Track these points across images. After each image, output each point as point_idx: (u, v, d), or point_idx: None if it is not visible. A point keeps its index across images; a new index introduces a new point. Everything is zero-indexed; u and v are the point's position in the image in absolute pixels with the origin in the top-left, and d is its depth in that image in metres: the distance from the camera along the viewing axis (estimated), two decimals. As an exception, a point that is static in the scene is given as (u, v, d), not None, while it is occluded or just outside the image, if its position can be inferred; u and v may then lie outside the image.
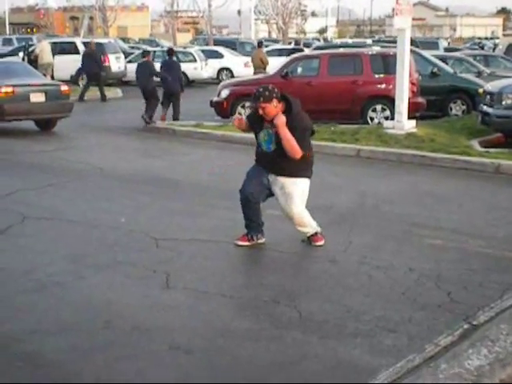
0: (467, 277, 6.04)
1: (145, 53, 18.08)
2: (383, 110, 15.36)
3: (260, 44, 25.16)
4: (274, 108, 6.44)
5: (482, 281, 5.94)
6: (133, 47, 39.23)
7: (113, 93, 24.59)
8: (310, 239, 6.92)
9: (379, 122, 14.96)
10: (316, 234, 6.94)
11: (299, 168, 6.66)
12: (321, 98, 15.52)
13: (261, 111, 6.47)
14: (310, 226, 6.87)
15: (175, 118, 16.61)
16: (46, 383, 4.22)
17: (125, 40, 46.36)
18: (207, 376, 4.28)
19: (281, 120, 6.41)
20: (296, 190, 6.67)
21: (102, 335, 4.84)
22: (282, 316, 5.18)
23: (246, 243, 6.86)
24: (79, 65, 27.05)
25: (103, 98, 23.01)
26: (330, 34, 75.91)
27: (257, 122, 6.73)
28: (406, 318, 5.13)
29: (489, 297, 5.53)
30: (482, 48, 49.18)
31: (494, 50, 40.62)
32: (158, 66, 17.86)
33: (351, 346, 4.67)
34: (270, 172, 6.73)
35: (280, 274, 6.25)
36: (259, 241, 6.89)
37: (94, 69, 22.96)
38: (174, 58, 17.58)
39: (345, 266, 6.39)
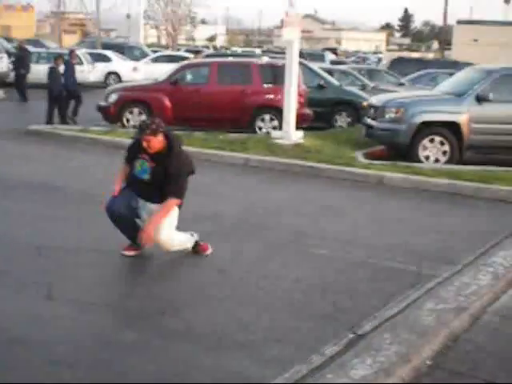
0: (352, 286, 6.16)
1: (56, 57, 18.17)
2: (271, 119, 15.57)
3: (198, 52, 25.23)
4: (158, 142, 6.30)
5: (366, 290, 6.07)
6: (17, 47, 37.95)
7: (-6, 94, 23.69)
8: (197, 250, 6.85)
9: (268, 132, 15.12)
10: (198, 243, 6.86)
11: None
12: (210, 107, 15.58)
13: (145, 144, 6.28)
14: (185, 243, 6.74)
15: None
16: None
17: (8, 40, 44.81)
18: (91, 391, 4.15)
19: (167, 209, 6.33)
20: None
21: (-21, 349, 4.60)
22: (168, 327, 5.10)
23: (132, 253, 6.72)
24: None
25: (24, 98, 22.63)
26: (220, 42, 76.39)
27: (134, 152, 6.52)
28: (293, 327, 5.17)
29: (373, 306, 5.65)
30: (364, 60, 50.86)
31: (377, 64, 42.07)
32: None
33: (239, 356, 4.65)
34: (140, 197, 6.57)
35: (167, 284, 6.17)
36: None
37: (21, 70, 22.95)
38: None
39: (232, 275, 6.37)
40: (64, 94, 17.17)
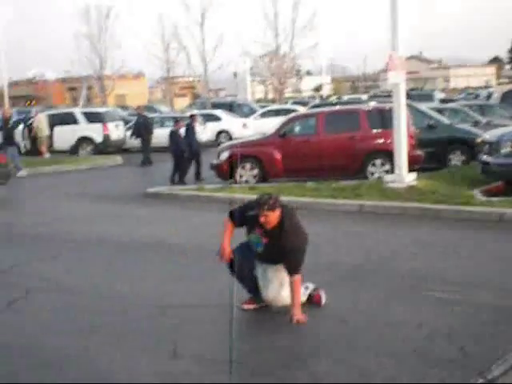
0: (478, 330, 5.96)
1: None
2: (383, 164, 15.43)
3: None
4: (275, 217, 6.37)
5: (494, 333, 5.86)
6: (131, 114, 39.64)
7: (113, 160, 24.77)
8: (311, 302, 6.83)
9: (379, 177, 15.00)
10: (311, 295, 6.83)
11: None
12: (320, 156, 15.66)
13: (263, 219, 6.35)
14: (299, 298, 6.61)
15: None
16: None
17: (123, 108, 46.88)
18: None
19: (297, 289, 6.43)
20: (277, 277, 6.57)
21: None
22: (293, 380, 5.09)
23: (252, 307, 6.78)
24: (78, 134, 27.59)
25: (149, 161, 23.49)
26: (326, 91, 76.90)
27: (250, 224, 6.61)
28: (420, 375, 5.05)
29: (502, 349, 5.44)
30: (476, 97, 49.73)
31: (488, 98, 41.07)
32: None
33: (365, 407, 4.58)
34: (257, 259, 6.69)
35: (289, 336, 6.17)
36: (265, 303, 6.80)
37: (147, 133, 24.09)
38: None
39: (354, 324, 6.30)
40: (186, 156, 18.00)
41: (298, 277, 6.46)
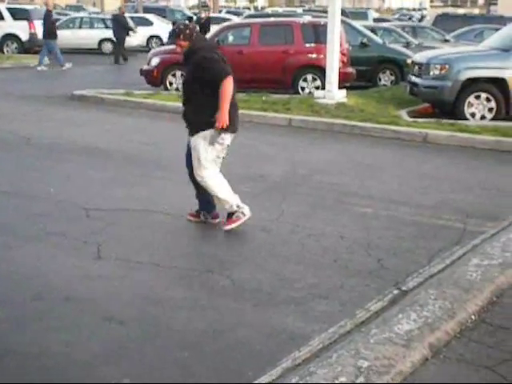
0: (397, 244, 6.17)
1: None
2: (314, 79, 15.45)
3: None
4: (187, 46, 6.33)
5: (411, 247, 6.08)
6: (59, 13, 38.24)
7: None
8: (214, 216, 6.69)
9: (310, 92, 15.04)
10: (231, 214, 6.51)
11: (202, 120, 6.28)
12: (252, 67, 15.52)
13: (179, 49, 6.36)
14: (228, 197, 6.46)
15: None
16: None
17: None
18: (141, 346, 4.25)
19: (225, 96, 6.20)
20: (198, 148, 6.29)
21: (33, 307, 4.74)
22: (215, 285, 5.18)
23: (193, 219, 6.70)
24: (3, 31, 26.49)
25: (124, 58, 24.13)
26: (261, 2, 75.73)
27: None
28: (338, 284, 5.21)
29: (417, 263, 5.66)
30: (409, 18, 49.88)
31: (420, 20, 41.28)
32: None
33: (284, 313, 4.71)
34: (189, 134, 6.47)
35: (213, 243, 6.25)
36: (208, 220, 6.68)
37: (123, 33, 24.47)
38: None
39: (277, 234, 6.42)
40: None
41: (225, 81, 6.21)
